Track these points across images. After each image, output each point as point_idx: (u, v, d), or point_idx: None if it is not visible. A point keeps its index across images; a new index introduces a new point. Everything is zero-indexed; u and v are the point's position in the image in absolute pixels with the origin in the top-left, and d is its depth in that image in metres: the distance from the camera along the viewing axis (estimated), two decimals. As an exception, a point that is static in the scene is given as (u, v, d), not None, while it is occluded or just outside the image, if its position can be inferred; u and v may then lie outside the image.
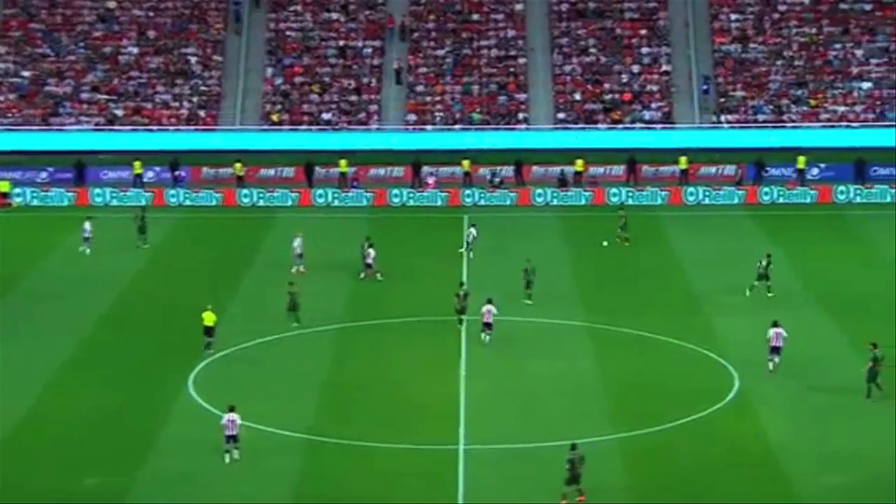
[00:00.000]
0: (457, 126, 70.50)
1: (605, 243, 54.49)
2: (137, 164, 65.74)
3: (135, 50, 73.41)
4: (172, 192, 63.59)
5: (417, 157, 66.89)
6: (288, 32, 74.61)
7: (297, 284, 44.13)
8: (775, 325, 39.78)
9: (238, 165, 65.60)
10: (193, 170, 66.93)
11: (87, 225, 53.88)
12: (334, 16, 75.36)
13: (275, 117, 70.74)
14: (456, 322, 42.84)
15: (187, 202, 63.06)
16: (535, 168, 67.06)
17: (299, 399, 37.47)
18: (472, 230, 53.99)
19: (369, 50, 73.86)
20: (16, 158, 67.01)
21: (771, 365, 39.39)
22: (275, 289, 47.50)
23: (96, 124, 70.05)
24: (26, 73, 71.58)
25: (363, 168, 66.85)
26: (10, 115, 69.86)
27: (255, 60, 73.48)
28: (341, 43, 74.16)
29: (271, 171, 67.19)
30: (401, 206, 62.92)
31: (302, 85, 72.35)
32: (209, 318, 41.16)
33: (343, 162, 65.89)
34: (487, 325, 42.25)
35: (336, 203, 63.05)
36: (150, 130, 69.71)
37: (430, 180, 64.93)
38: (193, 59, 73.14)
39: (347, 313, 45.50)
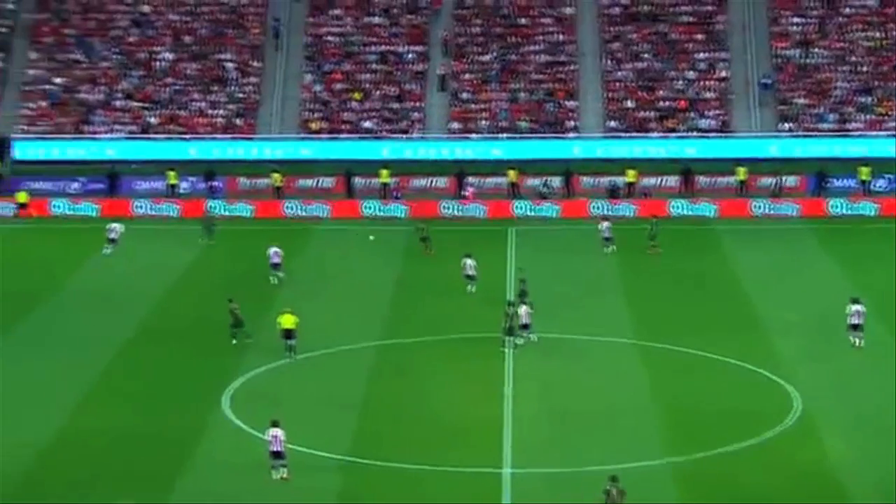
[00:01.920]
0: (503, 135, 70.37)
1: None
2: (172, 174, 66.13)
3: (170, 56, 73.86)
4: (211, 203, 63.84)
5: (461, 168, 66.87)
6: (328, 37, 74.82)
7: (236, 301, 43.62)
8: (855, 301, 41.93)
9: (276, 176, 65.81)
10: (229, 180, 67.31)
11: (117, 226, 55.36)
12: (376, 20, 75.52)
13: (314, 125, 70.93)
14: (500, 342, 42.72)
15: (223, 213, 63.26)
16: (584, 179, 66.82)
17: (337, 419, 37.36)
18: (606, 223, 55.58)
19: (412, 55, 73.94)
20: (48, 168, 67.69)
21: (856, 341, 41.51)
22: (312, 303, 47.52)
23: (130, 133, 70.49)
24: (58, 80, 72.14)
25: (405, 178, 66.92)
26: (41, 123, 70.45)
27: (293, 66, 73.73)
28: (383, 48, 74.29)
29: (310, 182, 67.38)
30: (444, 217, 62.89)
31: (342, 92, 72.51)
32: (288, 321, 41.63)
33: (385, 172, 65.97)
34: (524, 327, 42.38)
35: (378, 214, 63.06)
36: (185, 139, 70.07)
37: (468, 191, 65.06)
38: (230, 66, 73.51)
39: (387, 330, 45.41)
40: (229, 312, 43.27)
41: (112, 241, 54.88)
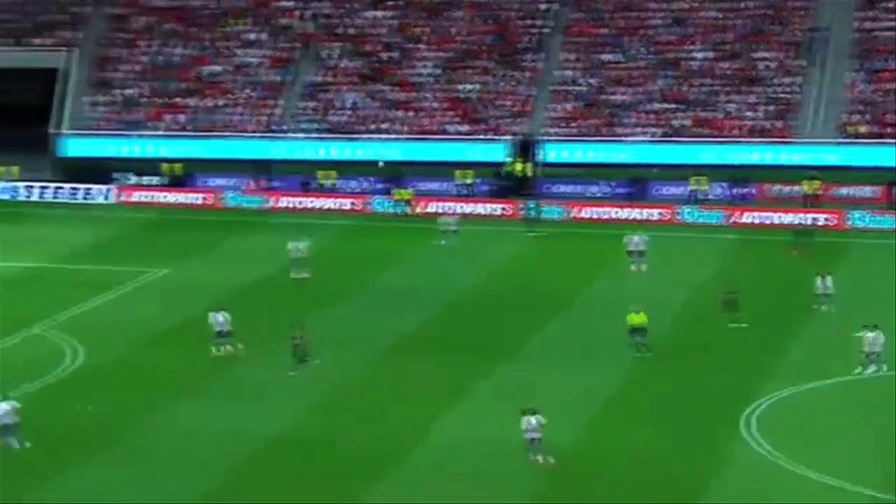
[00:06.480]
0: None
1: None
2: (694, 179, 65.56)
3: (704, 55, 73.09)
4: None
5: None
6: (878, 33, 71.11)
7: (305, 329, 41.74)
8: None
9: (812, 183, 63.47)
10: (760, 186, 65.58)
11: (452, 221, 58.87)
12: (938, 11, 71.01)
13: (858, 129, 67.62)
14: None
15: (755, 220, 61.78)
16: None
17: (875, 451, 34.76)
18: None
19: (975, 51, 68.79)
20: (573, 171, 69.05)
21: None
22: (847, 324, 45.04)
23: (663, 135, 70.32)
24: (591, 81, 73.41)
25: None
26: (566, 124, 71.96)
27: (839, 64, 70.67)
28: (943, 43, 69.69)
29: (845, 191, 64.28)
30: None
31: (892, 92, 68.64)
32: (639, 318, 42.54)
33: (931, 181, 62.01)
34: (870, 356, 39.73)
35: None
36: (715, 142, 69.01)
37: None
38: (768, 65, 71.64)
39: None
40: (292, 339, 41.66)
41: (445, 232, 58.26)
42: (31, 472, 33.85)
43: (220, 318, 42.98)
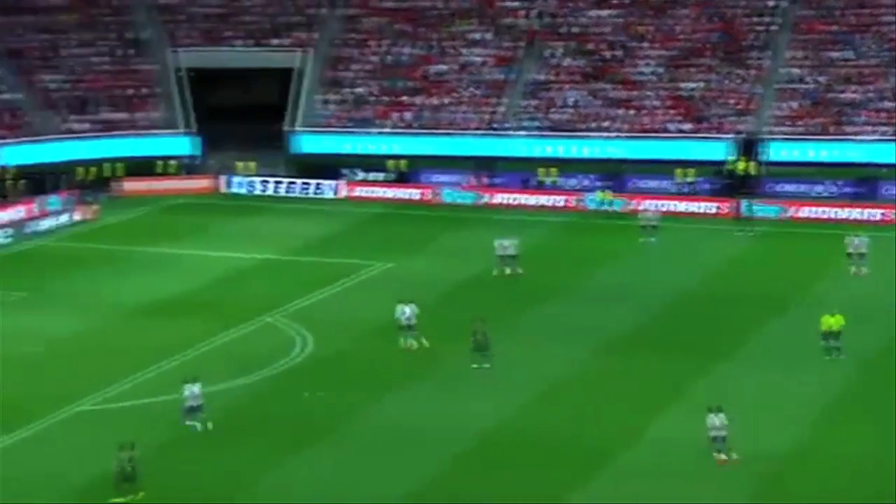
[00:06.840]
0: None
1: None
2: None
3: (942, 51, 70.93)
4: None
5: None
6: None
7: (485, 324, 41.30)
8: None
9: None
10: None
11: (652, 217, 58.64)
12: None
13: None
14: None
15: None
16: None
17: None
18: None
19: None
20: (798, 170, 67.76)
21: None
22: None
23: (895, 133, 68.36)
24: (819, 79, 71.86)
25: None
26: (791, 123, 70.56)
27: None
28: None
29: None
30: None
31: None
32: (835, 322, 41.51)
33: None
34: None
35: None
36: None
37: None
38: None
39: None
40: (473, 333, 41.53)
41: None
42: (260, 457, 35.19)
43: (406, 311, 43.77)
